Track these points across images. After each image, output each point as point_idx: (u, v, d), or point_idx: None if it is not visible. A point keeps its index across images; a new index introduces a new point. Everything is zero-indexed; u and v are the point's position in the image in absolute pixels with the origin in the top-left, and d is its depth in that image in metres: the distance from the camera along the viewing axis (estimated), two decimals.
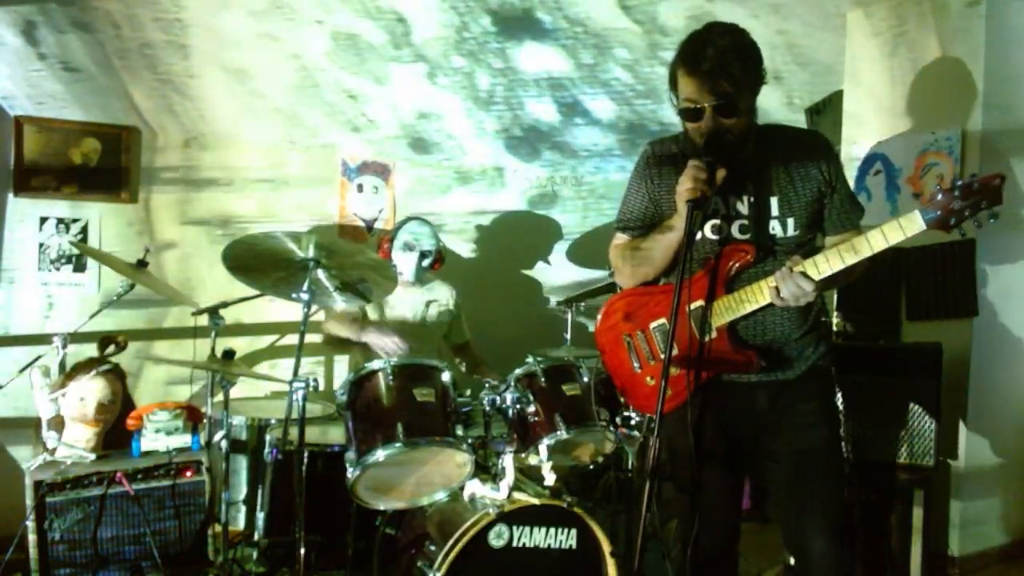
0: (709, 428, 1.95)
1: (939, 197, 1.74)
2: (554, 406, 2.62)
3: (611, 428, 2.79)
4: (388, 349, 3.19)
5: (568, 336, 3.71)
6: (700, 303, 1.93)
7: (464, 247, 4.39)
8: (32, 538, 2.42)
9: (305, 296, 2.45)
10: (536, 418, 2.61)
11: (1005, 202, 1.76)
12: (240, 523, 2.93)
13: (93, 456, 2.58)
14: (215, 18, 3.53)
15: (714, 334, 1.93)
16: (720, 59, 1.78)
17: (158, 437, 2.64)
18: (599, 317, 2.16)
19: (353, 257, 2.58)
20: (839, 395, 2.59)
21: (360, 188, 4.12)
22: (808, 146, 1.99)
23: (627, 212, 2.12)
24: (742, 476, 2.13)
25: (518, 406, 2.61)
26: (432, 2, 3.62)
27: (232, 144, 3.83)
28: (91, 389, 2.70)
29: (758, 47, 1.88)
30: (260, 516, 2.79)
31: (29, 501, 2.44)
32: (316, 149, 4.00)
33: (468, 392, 2.74)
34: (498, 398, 2.59)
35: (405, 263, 3.41)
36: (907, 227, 1.76)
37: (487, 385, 2.65)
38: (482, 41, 3.95)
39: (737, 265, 1.92)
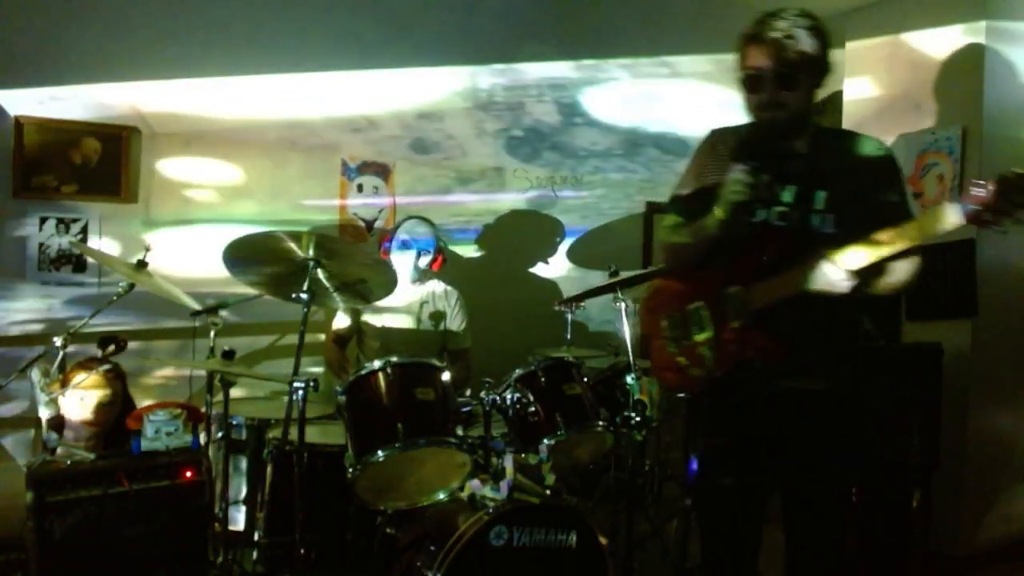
0: (730, 424, 2.01)
1: (979, 192, 1.62)
2: (554, 406, 2.63)
3: (611, 428, 2.79)
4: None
5: (568, 336, 3.71)
6: (736, 288, 1.95)
7: (464, 247, 4.38)
8: (32, 538, 2.42)
9: (305, 296, 2.45)
10: (536, 418, 2.61)
11: None
12: (240, 523, 2.93)
13: (93, 456, 2.58)
14: (217, 20, 3.54)
15: (746, 320, 1.93)
16: (792, 30, 1.83)
17: (158, 437, 2.63)
18: (643, 297, 2.22)
19: (353, 257, 2.58)
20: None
21: (360, 188, 4.12)
22: (865, 149, 1.98)
23: (679, 194, 2.14)
24: (761, 476, 2.07)
25: (518, 406, 2.61)
26: (433, 2, 3.63)
27: (232, 144, 3.83)
28: (91, 389, 2.70)
29: (830, 37, 1.91)
30: (260, 516, 2.79)
31: (29, 501, 2.44)
32: (316, 149, 3.99)
33: (468, 392, 2.75)
34: (498, 398, 2.59)
35: (402, 262, 3.40)
36: (944, 218, 1.66)
37: (487, 384, 2.65)
38: (483, 41, 3.95)
39: (772, 253, 1.91)
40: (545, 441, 2.54)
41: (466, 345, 3.63)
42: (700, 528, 2.18)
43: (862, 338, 2.12)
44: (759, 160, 1.87)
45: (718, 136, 2.11)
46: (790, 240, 1.91)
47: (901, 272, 1.87)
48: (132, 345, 3.00)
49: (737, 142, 1.99)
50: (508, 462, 2.37)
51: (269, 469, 2.75)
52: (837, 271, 1.78)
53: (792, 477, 2.00)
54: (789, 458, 1.97)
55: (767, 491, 2.05)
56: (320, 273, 2.51)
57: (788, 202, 1.93)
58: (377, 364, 2.47)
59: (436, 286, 3.58)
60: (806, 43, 1.84)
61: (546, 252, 4.58)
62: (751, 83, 1.90)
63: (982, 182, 1.61)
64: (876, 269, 1.81)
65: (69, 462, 2.51)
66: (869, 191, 1.92)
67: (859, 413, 2.04)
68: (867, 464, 3.02)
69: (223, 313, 3.04)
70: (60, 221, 3.49)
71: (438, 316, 3.54)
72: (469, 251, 4.40)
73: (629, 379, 2.97)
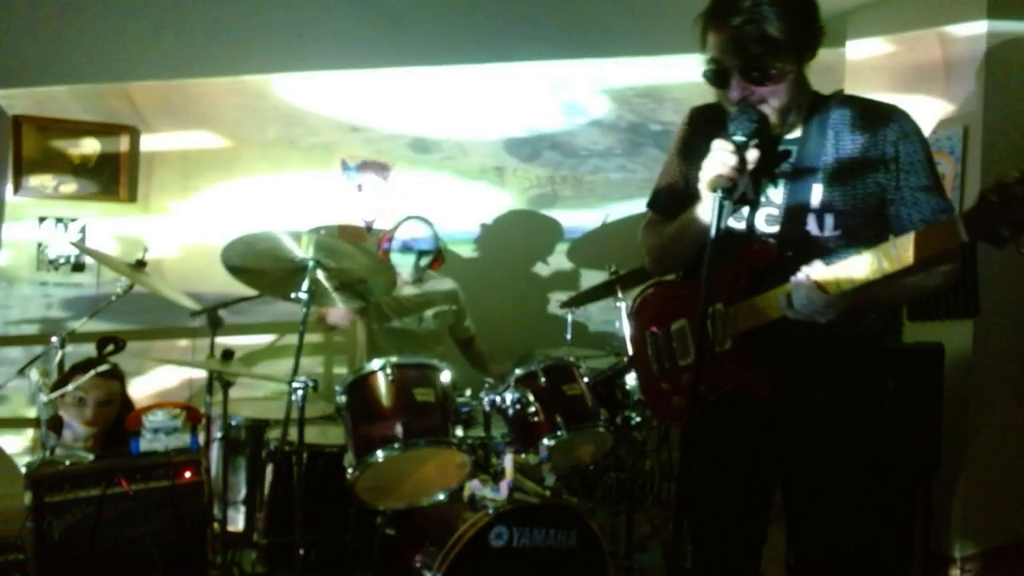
0: (725, 448, 1.69)
1: (992, 199, 1.26)
2: (554, 406, 2.62)
3: (611, 428, 2.79)
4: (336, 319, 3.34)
5: (569, 336, 3.70)
6: (717, 307, 1.61)
7: (464, 247, 4.38)
8: (31, 538, 2.42)
9: (305, 296, 2.45)
10: (536, 418, 2.61)
11: None
12: (240, 523, 2.93)
13: (92, 457, 2.57)
14: (216, 19, 3.53)
15: (728, 344, 1.60)
16: (755, 13, 1.44)
17: (157, 437, 2.63)
18: (631, 308, 1.93)
19: (353, 257, 2.57)
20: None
21: (360, 188, 4.12)
22: (874, 123, 1.56)
23: (658, 188, 1.82)
24: (768, 493, 1.77)
25: (518, 406, 2.60)
26: (433, 1, 3.62)
27: (232, 144, 3.82)
28: (90, 389, 2.70)
29: (812, 1, 1.52)
30: (260, 516, 2.79)
31: (28, 501, 2.43)
32: (316, 149, 3.99)
33: (468, 392, 2.74)
34: (498, 398, 2.59)
35: (403, 262, 3.40)
36: (946, 237, 1.33)
37: (487, 385, 2.65)
38: (483, 41, 3.94)
39: (757, 265, 1.58)
40: (545, 441, 2.53)
41: (470, 334, 3.70)
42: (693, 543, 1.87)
43: (871, 344, 1.68)
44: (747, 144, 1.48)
45: (700, 115, 1.75)
46: (779, 249, 1.56)
47: (914, 290, 1.57)
48: (132, 345, 3.00)
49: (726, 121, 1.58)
50: (508, 462, 2.36)
51: (269, 469, 2.75)
52: (817, 295, 1.43)
53: (794, 501, 1.71)
54: (789, 484, 1.71)
55: (765, 504, 1.76)
56: (320, 273, 2.51)
57: (778, 202, 1.60)
58: (377, 364, 2.46)
59: (434, 284, 3.58)
60: (775, 25, 1.43)
61: (546, 252, 4.58)
62: (716, 78, 1.55)
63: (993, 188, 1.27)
64: (872, 293, 1.46)
65: (68, 463, 2.51)
66: (872, 172, 1.54)
67: (874, 426, 1.67)
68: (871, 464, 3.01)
69: (223, 313, 3.03)
70: (59, 221, 3.49)
71: (442, 314, 3.54)
72: (469, 251, 4.40)
73: (629, 379, 2.97)
